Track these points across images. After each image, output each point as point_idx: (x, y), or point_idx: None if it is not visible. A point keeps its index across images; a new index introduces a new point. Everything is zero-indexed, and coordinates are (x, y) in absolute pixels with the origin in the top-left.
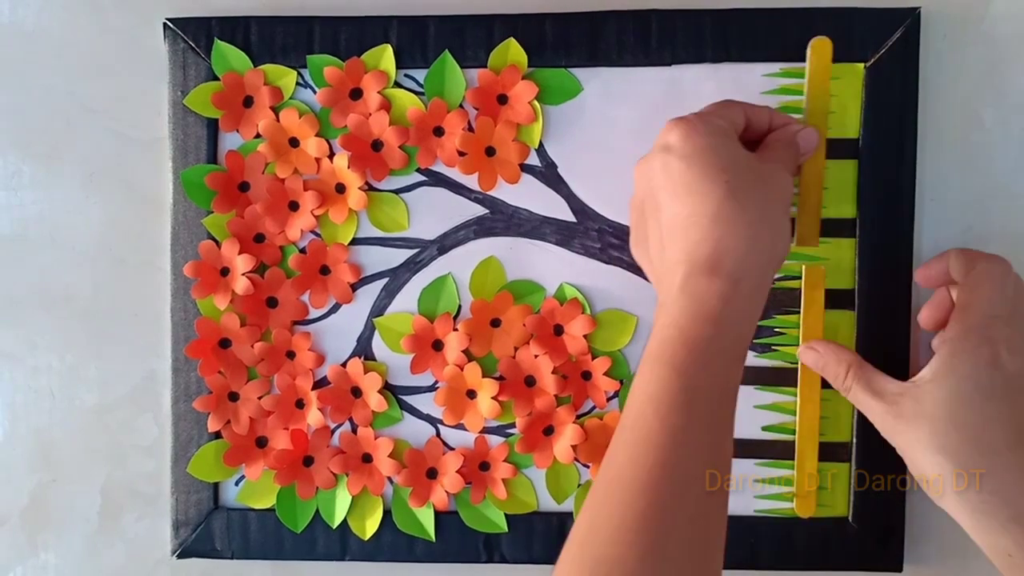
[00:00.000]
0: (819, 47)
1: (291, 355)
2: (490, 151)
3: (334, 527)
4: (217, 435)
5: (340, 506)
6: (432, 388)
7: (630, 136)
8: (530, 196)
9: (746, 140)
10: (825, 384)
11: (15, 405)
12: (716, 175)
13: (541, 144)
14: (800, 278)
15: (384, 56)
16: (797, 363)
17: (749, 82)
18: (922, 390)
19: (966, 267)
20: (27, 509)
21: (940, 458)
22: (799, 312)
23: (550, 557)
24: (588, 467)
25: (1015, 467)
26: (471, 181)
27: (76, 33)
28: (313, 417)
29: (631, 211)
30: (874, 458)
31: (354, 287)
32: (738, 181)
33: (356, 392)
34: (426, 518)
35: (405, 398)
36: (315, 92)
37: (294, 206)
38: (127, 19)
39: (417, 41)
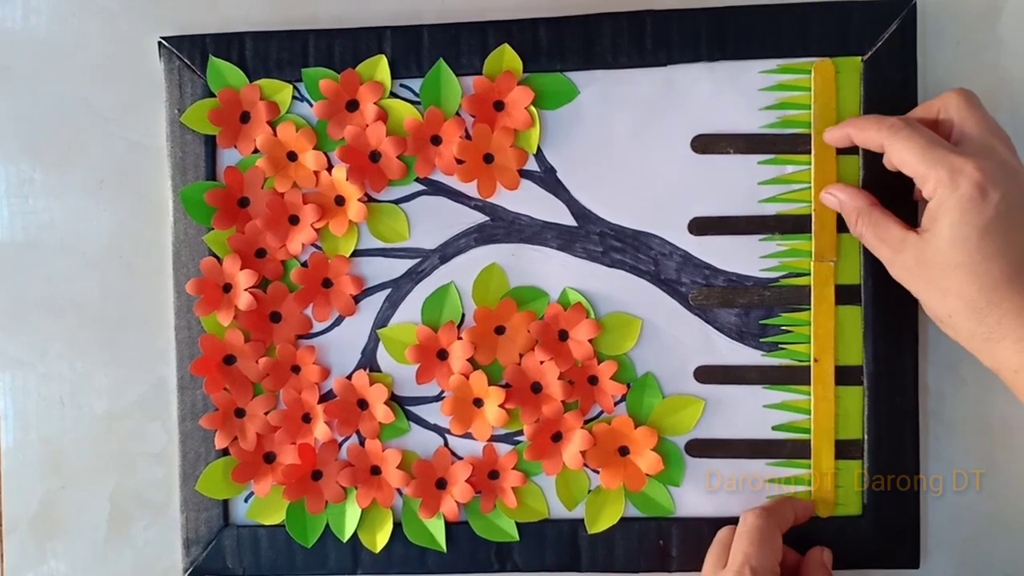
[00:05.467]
0: (822, 69)
1: (296, 369)
2: (488, 158)
3: (345, 541)
4: (225, 452)
5: (350, 520)
6: (438, 398)
7: (628, 138)
8: (530, 202)
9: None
10: (839, 382)
11: (25, 412)
12: None
13: (539, 149)
14: (809, 275)
15: (379, 67)
16: (807, 361)
17: (746, 80)
18: (922, 238)
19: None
20: (36, 516)
21: (948, 297)
22: (807, 309)
23: (562, 564)
24: (598, 472)
25: (1018, 295)
26: (470, 189)
27: (87, 41)
28: (320, 431)
29: None
30: (886, 455)
31: (357, 299)
32: None
33: (362, 404)
34: (437, 529)
35: (412, 409)
36: (311, 105)
37: (294, 220)
38: (137, 27)
39: (411, 50)
